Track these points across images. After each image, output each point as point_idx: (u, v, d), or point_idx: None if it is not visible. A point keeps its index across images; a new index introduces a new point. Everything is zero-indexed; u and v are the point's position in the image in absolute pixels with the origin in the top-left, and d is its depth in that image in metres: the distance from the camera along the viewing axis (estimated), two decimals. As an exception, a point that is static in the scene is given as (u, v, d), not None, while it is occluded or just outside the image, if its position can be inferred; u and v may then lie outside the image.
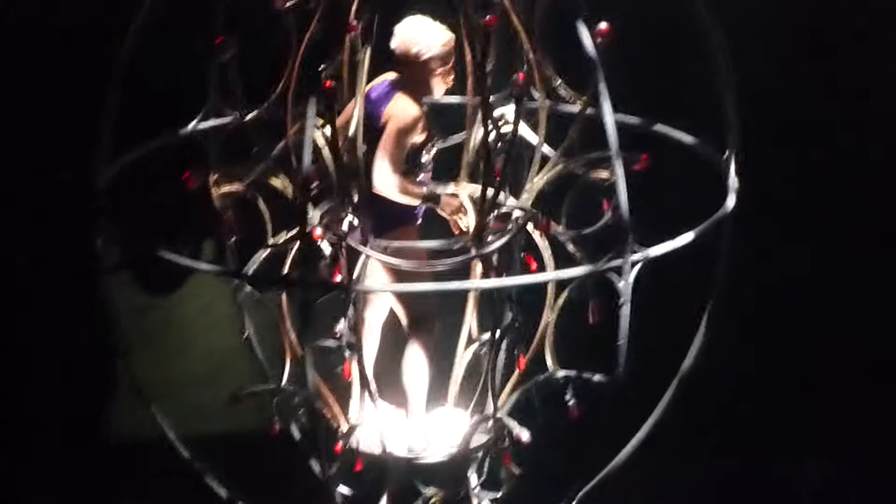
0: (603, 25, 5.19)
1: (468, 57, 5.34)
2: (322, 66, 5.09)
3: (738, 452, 8.40)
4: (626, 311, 5.03)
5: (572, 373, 5.51)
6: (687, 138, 5.75)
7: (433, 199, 5.34)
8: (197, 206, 5.23)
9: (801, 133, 8.59)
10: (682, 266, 5.37)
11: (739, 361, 8.31)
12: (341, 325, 5.16)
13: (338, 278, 5.03)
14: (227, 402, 5.45)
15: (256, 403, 5.44)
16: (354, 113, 5.24)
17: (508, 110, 5.34)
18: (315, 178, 5.07)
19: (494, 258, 5.16)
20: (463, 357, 5.68)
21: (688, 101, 5.90)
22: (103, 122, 5.39)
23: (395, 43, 5.34)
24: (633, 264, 5.03)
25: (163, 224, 6.88)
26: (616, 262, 5.00)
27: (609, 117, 4.97)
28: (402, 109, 5.31)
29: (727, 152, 5.60)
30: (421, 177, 5.42)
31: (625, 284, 5.01)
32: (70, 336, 8.31)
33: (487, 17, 5.05)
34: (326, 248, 5.13)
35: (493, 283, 5.12)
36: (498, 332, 5.28)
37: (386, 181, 5.24)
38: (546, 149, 5.48)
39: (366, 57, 5.18)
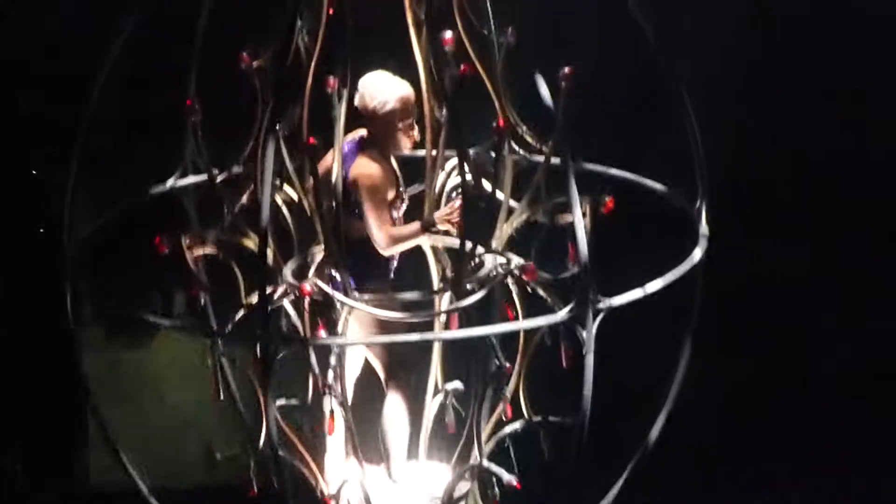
0: (566, 69, 5.20)
1: (427, 108, 5.41)
2: (278, 123, 5.09)
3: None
4: (589, 361, 4.96)
5: (540, 419, 5.50)
6: (658, 186, 5.71)
7: (429, 224, 5.39)
8: (169, 261, 5.25)
9: (799, 135, 8.56)
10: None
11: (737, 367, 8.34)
12: (329, 379, 5.21)
13: (322, 334, 5.08)
14: (204, 460, 5.46)
15: (230, 458, 5.47)
16: (334, 167, 5.27)
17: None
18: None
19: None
20: (431, 407, 5.69)
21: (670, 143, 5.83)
22: (70, 184, 5.45)
23: (356, 99, 5.35)
24: (596, 314, 4.99)
25: (134, 278, 6.99)
26: (577, 313, 4.97)
27: (569, 167, 4.99)
28: (365, 172, 5.35)
29: (698, 202, 5.56)
30: None
31: (587, 334, 4.97)
32: (40, 389, 8.38)
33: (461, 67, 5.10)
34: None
35: (453, 334, 5.14)
36: (482, 381, 5.30)
37: (386, 241, 5.33)
38: (502, 196, 5.46)
39: (341, 112, 5.21)
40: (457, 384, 5.66)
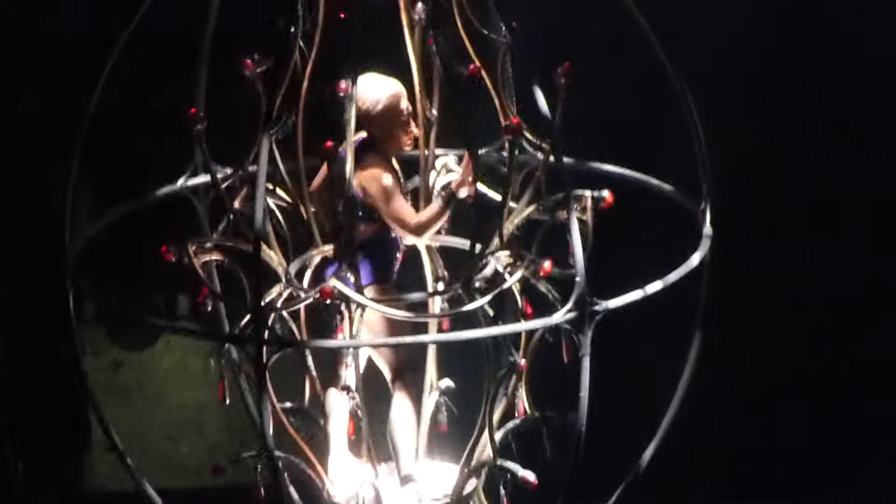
0: (564, 65, 5.23)
1: (420, 108, 5.47)
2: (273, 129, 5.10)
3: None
4: (586, 364, 4.94)
5: (539, 415, 5.47)
6: (666, 186, 5.70)
7: (450, 195, 5.37)
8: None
9: (800, 135, 8.56)
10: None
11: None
12: (349, 380, 5.23)
13: (340, 336, 5.08)
14: (207, 463, 5.44)
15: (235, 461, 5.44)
16: (347, 168, 5.26)
17: (450, 159, 5.55)
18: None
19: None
20: (427, 407, 5.68)
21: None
22: (70, 183, 5.45)
23: None
24: (592, 317, 4.95)
25: (136, 278, 6.95)
26: (571, 316, 4.93)
27: (563, 167, 5.02)
28: (371, 179, 5.37)
29: (703, 203, 5.54)
30: (394, 233, 5.49)
31: (583, 338, 4.93)
32: (42, 388, 8.38)
33: (470, 66, 5.14)
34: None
35: (456, 336, 5.08)
36: (495, 378, 5.25)
37: (418, 229, 5.38)
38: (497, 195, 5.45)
39: (352, 115, 5.22)
40: (448, 382, 5.69)
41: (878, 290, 8.66)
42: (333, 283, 5.05)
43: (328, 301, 5.02)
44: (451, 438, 5.71)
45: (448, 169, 5.57)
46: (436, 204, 5.40)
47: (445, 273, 5.72)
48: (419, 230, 5.38)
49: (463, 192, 5.34)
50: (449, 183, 5.45)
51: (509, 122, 5.18)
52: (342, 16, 5.15)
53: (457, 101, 5.22)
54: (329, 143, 5.18)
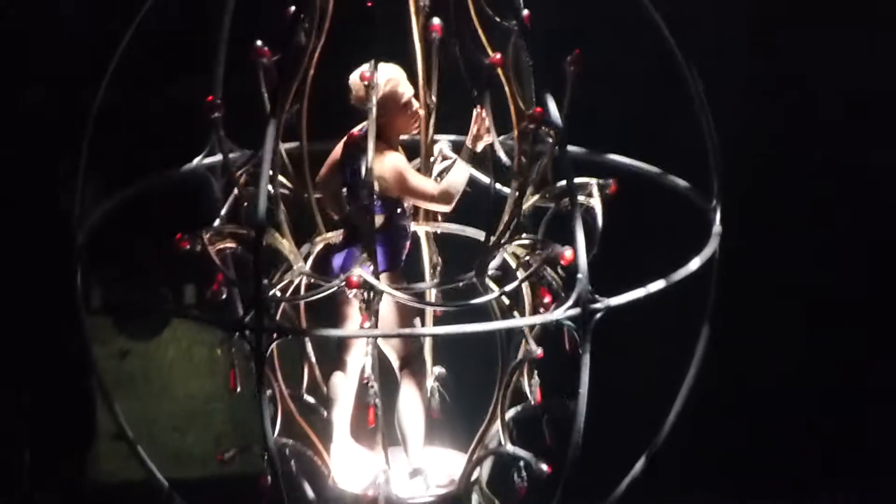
0: (574, 53, 5.26)
1: (422, 94, 5.51)
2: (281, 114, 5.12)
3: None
4: (586, 362, 4.91)
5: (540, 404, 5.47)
6: (680, 182, 5.71)
7: (469, 153, 5.38)
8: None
9: (801, 134, 8.58)
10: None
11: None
12: (368, 370, 5.22)
13: (366, 324, 5.06)
14: (213, 454, 5.44)
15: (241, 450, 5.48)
16: (368, 155, 5.27)
17: (445, 144, 5.63)
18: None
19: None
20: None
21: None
22: (78, 171, 5.45)
23: (351, 98, 5.41)
24: (592, 315, 4.92)
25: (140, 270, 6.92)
26: (572, 313, 4.90)
27: (568, 158, 5.01)
28: (383, 169, 5.37)
29: (713, 202, 5.53)
30: (403, 221, 5.50)
31: (583, 335, 4.90)
32: (50, 380, 8.37)
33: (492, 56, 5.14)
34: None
35: (454, 329, 5.07)
36: (505, 366, 5.33)
37: (444, 199, 5.42)
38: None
39: (373, 105, 5.25)
40: (440, 369, 5.74)
41: (878, 289, 8.68)
42: (358, 272, 5.05)
43: (354, 290, 5.02)
44: (444, 424, 5.71)
45: (444, 156, 5.63)
46: (456, 169, 5.41)
47: (440, 259, 5.75)
48: (444, 198, 5.41)
49: (479, 146, 5.35)
50: (443, 172, 5.51)
51: (532, 112, 5.17)
52: (369, 4, 5.17)
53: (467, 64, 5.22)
54: (355, 133, 5.17)
